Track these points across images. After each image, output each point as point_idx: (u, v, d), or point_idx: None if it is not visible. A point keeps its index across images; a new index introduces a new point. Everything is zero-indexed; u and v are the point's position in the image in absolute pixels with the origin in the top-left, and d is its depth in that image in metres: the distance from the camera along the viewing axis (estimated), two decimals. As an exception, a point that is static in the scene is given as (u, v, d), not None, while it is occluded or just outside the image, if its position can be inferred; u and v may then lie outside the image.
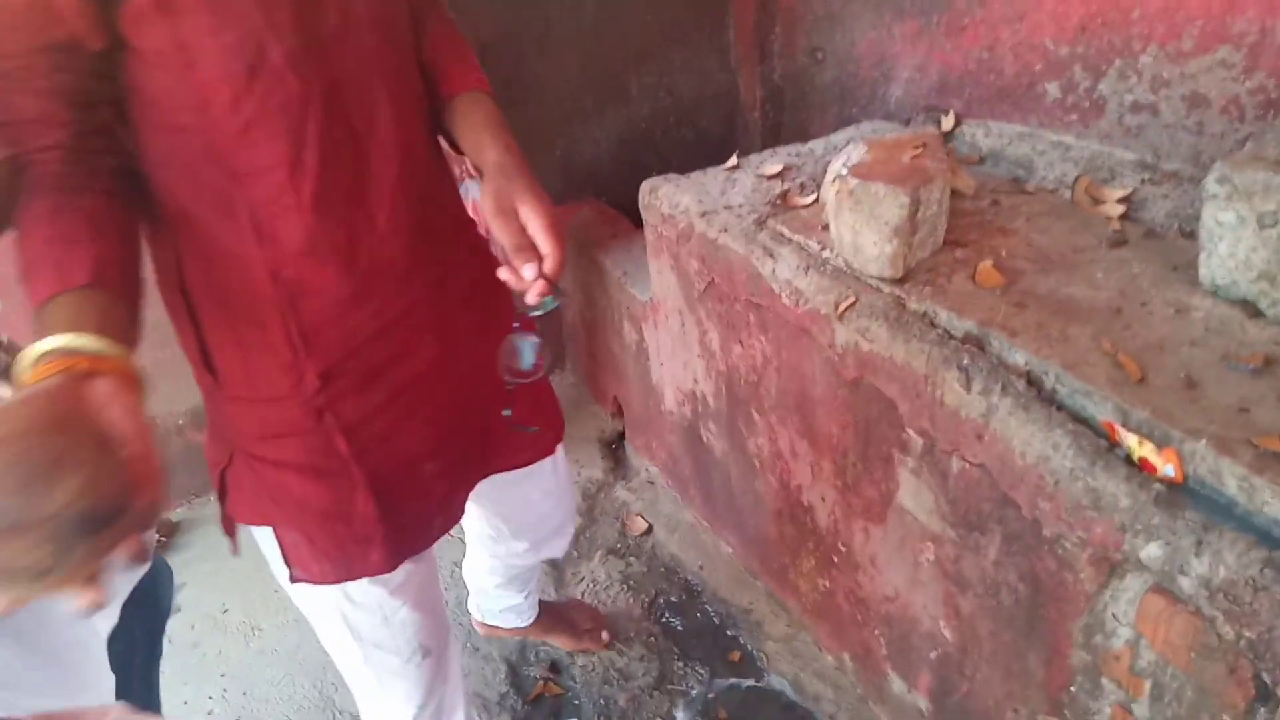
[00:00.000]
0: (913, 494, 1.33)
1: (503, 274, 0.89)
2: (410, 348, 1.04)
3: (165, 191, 0.89)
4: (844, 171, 1.38)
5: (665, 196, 1.80)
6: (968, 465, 1.18)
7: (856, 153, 1.43)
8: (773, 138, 2.71)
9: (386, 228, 0.95)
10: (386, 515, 1.07)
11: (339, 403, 0.99)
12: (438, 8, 1.08)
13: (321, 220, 0.90)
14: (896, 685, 1.62)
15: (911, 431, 1.27)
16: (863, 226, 1.33)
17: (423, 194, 1.01)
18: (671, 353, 2.01)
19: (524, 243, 0.87)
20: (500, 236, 0.88)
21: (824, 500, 1.60)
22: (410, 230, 0.98)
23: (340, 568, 1.09)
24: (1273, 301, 1.11)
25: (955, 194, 1.59)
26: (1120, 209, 1.48)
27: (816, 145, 1.96)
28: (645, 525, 2.23)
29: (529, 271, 0.87)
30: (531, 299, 0.89)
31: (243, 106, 0.82)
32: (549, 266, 0.88)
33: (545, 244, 0.87)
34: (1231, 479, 0.92)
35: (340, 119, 0.88)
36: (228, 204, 0.88)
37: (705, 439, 1.99)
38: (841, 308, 1.35)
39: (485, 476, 1.24)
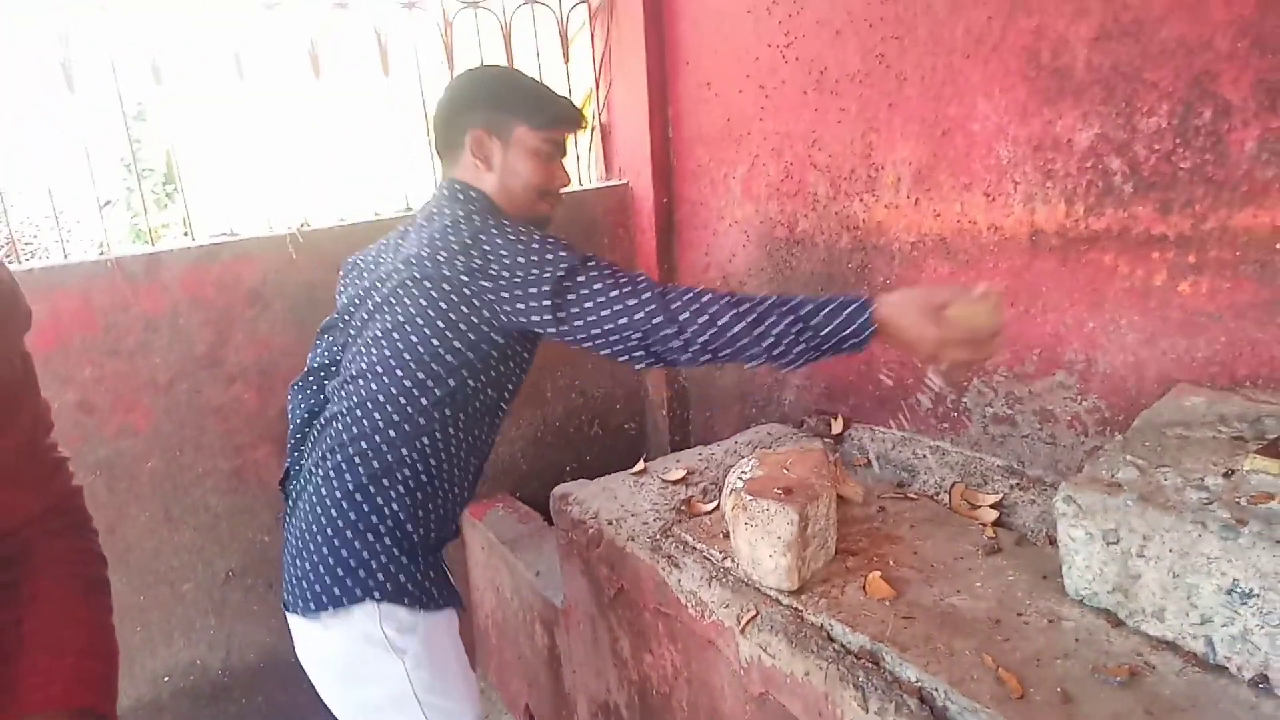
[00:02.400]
0: (826, 818, 1.29)
1: None
2: None
3: None
4: (739, 485, 1.48)
5: (575, 503, 1.86)
6: (874, 788, 1.18)
7: (749, 466, 1.54)
8: (681, 432, 2.86)
9: None
10: None
11: None
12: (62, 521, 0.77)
13: None
14: None
15: (818, 751, 1.27)
16: (758, 541, 1.41)
17: None
18: (584, 660, 1.98)
19: None
20: None
21: (741, 823, 1.53)
22: None
23: None
24: (1130, 612, 1.20)
25: (845, 501, 1.71)
26: (993, 514, 1.61)
27: (717, 449, 2.08)
28: None
29: None
30: None
31: None
32: None
33: None
34: (1115, 803, 0.95)
35: None
36: None
37: (621, 752, 1.92)
38: (744, 622, 1.39)
39: None
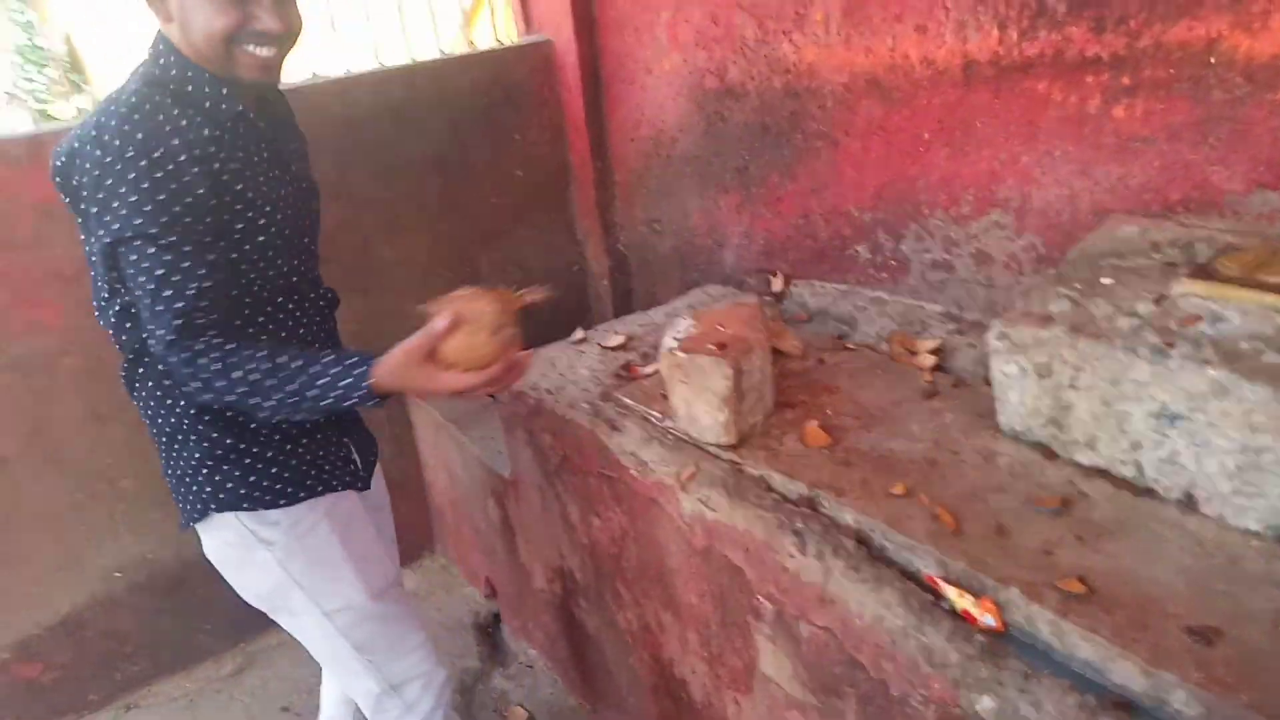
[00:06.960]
0: (772, 661, 1.33)
1: None
2: None
3: None
4: (673, 345, 1.44)
5: (513, 376, 1.82)
6: (815, 629, 1.20)
7: (684, 325, 1.50)
8: (624, 302, 2.81)
9: None
10: None
11: None
12: None
13: None
14: None
15: (761, 598, 1.29)
16: (694, 398, 1.38)
17: None
18: (536, 528, 1.98)
19: None
20: None
21: (695, 673, 1.57)
22: None
23: None
24: (1063, 444, 1.21)
25: (784, 355, 1.69)
26: (932, 360, 1.60)
27: (658, 314, 2.04)
28: (525, 716, 2.13)
29: None
30: None
31: None
32: None
33: None
34: (1043, 624, 0.97)
35: None
36: None
37: (578, 616, 1.95)
38: (684, 477, 1.38)
39: None
